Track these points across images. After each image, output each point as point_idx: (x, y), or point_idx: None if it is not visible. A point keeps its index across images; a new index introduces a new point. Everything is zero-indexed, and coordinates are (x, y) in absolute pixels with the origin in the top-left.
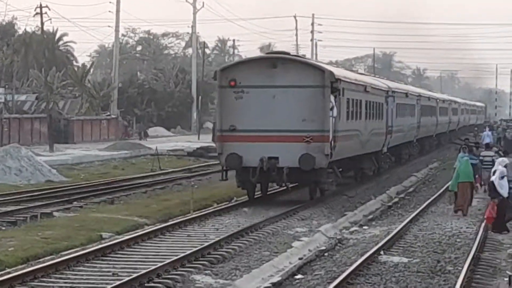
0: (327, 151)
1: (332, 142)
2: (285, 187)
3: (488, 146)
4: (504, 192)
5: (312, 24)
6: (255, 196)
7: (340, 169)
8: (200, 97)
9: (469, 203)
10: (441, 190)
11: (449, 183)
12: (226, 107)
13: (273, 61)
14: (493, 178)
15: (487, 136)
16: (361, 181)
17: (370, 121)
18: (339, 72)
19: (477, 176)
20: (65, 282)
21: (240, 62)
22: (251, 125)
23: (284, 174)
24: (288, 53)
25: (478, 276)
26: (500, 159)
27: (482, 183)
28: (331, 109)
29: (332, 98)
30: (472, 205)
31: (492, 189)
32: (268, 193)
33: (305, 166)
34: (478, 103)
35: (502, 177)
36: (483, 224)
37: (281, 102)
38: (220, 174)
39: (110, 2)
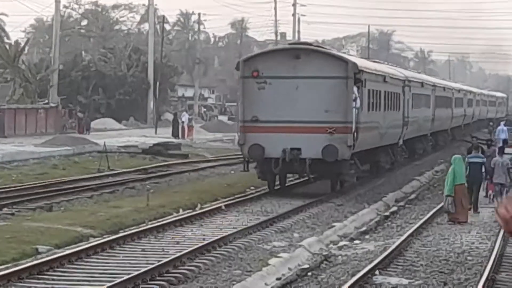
0: (350, 142)
1: (355, 133)
2: (306, 178)
3: (506, 143)
4: None
5: None
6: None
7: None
8: (158, 83)
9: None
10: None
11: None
12: (248, 97)
13: (296, 52)
14: None
15: (501, 132)
16: (352, 186)
17: (388, 112)
18: (361, 63)
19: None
20: None
21: (263, 52)
22: (274, 116)
23: (306, 165)
24: (311, 44)
25: None
26: None
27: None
28: (354, 100)
29: (355, 89)
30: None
31: None
32: (286, 185)
33: (328, 158)
34: (498, 94)
35: None
36: (499, 239)
37: (304, 93)
38: (243, 166)
39: None
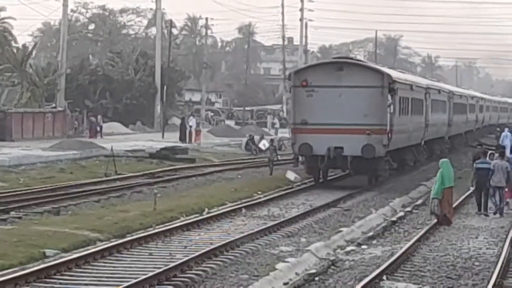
0: (385, 142)
1: (389, 134)
2: (347, 172)
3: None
4: None
5: (302, 0)
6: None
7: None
8: (165, 87)
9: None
10: (457, 203)
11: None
12: (298, 104)
13: (339, 65)
14: None
15: (505, 137)
16: (359, 192)
17: (414, 116)
18: (395, 74)
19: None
20: None
21: (311, 65)
22: (320, 119)
23: (348, 162)
24: (351, 58)
25: None
26: None
27: None
28: (389, 106)
29: (389, 96)
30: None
31: None
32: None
33: (367, 155)
34: (510, 100)
35: None
36: (506, 245)
37: (346, 100)
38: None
39: None
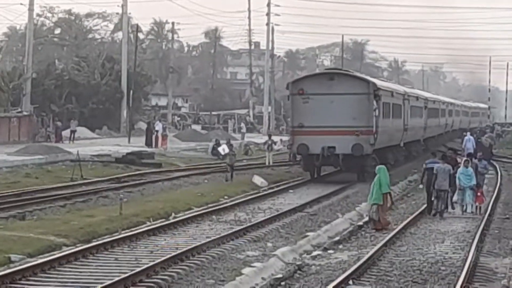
0: (372, 141)
1: (375, 135)
2: (339, 169)
3: (471, 156)
4: None
5: (268, 5)
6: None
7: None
8: (131, 92)
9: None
10: (423, 208)
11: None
12: (296, 109)
13: (331, 75)
14: None
15: (468, 141)
16: (326, 196)
17: (394, 120)
18: (379, 83)
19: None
20: None
21: (306, 76)
22: (315, 123)
23: (340, 159)
24: (341, 69)
25: None
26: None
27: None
28: (374, 110)
29: (374, 102)
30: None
31: None
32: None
33: (356, 153)
34: (481, 105)
35: None
36: (472, 249)
37: (337, 105)
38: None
39: None
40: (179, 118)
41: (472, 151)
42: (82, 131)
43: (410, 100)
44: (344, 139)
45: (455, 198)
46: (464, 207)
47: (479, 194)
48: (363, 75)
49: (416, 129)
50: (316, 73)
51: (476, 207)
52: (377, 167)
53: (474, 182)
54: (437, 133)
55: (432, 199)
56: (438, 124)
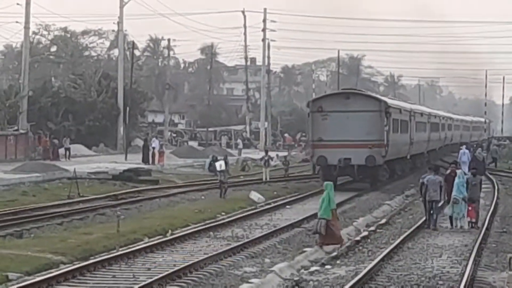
0: (383, 153)
1: (386, 147)
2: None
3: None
4: None
5: (264, 21)
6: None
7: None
8: (128, 109)
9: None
10: (420, 222)
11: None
12: (315, 125)
13: (347, 94)
14: None
15: (463, 154)
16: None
17: (402, 134)
18: (389, 101)
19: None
20: None
21: (325, 95)
22: (333, 137)
23: (355, 170)
24: (355, 89)
25: None
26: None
27: None
28: (385, 125)
29: (385, 118)
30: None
31: None
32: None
33: (370, 163)
34: (481, 119)
35: None
36: (470, 263)
37: (353, 121)
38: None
39: None
40: (175, 135)
41: (467, 164)
42: (79, 148)
43: (415, 116)
44: (358, 151)
45: (447, 211)
46: (455, 223)
47: (470, 208)
48: (375, 94)
49: (420, 143)
50: (333, 92)
51: (469, 222)
52: (324, 183)
53: (465, 194)
54: (438, 146)
55: (432, 212)
56: (439, 138)
